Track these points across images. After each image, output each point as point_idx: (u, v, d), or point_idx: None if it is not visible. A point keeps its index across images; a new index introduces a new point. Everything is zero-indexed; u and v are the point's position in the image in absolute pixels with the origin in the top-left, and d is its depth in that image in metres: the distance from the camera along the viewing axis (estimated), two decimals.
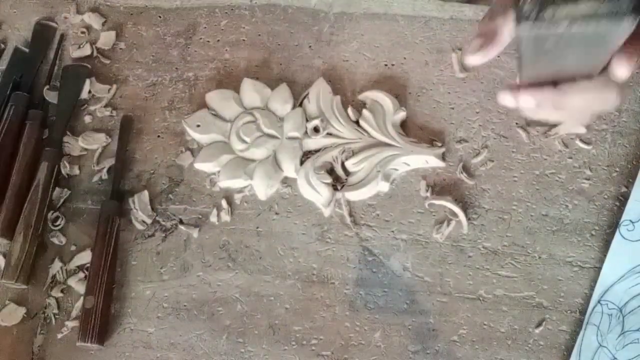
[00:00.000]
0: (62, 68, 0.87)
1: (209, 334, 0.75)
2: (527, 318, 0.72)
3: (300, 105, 0.81)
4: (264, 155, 0.79)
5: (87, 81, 0.86)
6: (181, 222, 0.79)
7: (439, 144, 0.78)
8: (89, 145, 0.83)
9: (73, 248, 0.80)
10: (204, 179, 0.81)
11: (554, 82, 0.54)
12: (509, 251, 0.74)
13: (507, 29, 0.54)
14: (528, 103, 0.56)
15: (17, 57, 0.88)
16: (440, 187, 0.77)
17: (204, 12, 0.87)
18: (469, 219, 0.75)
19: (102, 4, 0.90)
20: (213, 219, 0.79)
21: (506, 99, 0.57)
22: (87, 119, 0.85)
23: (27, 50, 0.88)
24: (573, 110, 0.56)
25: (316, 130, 0.79)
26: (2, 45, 0.89)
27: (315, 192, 0.77)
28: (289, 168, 0.78)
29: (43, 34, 0.89)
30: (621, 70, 0.52)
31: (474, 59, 0.56)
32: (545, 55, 0.50)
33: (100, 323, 0.75)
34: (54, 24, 0.89)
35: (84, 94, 0.86)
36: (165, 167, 0.82)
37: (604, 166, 0.76)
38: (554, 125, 0.77)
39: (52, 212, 0.81)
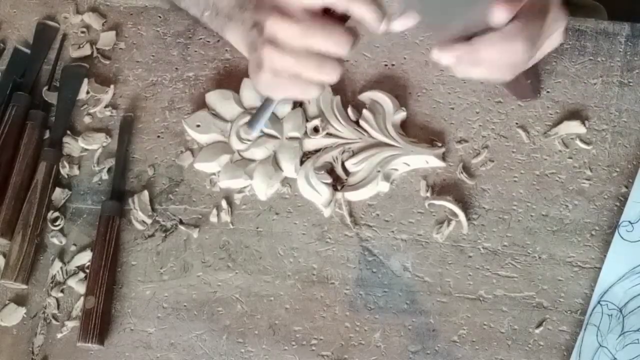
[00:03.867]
0: (61, 68, 0.87)
1: (209, 334, 0.75)
2: (527, 318, 0.72)
3: (301, 105, 0.81)
4: (264, 155, 0.79)
5: (85, 81, 0.86)
6: (181, 222, 0.79)
7: (439, 144, 0.78)
8: (89, 145, 0.83)
9: (73, 248, 0.80)
10: (204, 179, 0.81)
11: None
12: (509, 251, 0.74)
13: None
14: (448, 60, 0.60)
15: (17, 57, 0.88)
16: (440, 187, 0.77)
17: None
18: (469, 219, 0.75)
19: (102, 4, 0.90)
20: (213, 219, 0.79)
21: (435, 57, 0.61)
22: (87, 119, 0.85)
23: (27, 50, 0.88)
24: (489, 63, 0.59)
25: (316, 130, 0.79)
26: (2, 45, 0.89)
27: (315, 192, 0.77)
28: (289, 168, 0.78)
29: (45, 33, 0.89)
30: (496, 14, 0.55)
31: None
32: (426, 6, 0.55)
33: (101, 323, 0.75)
34: (55, 24, 0.89)
35: (82, 94, 0.86)
36: (165, 167, 0.82)
37: (604, 166, 0.76)
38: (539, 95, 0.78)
39: (52, 212, 0.81)
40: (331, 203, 0.77)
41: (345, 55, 0.59)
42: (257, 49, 0.60)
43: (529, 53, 0.60)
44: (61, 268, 0.79)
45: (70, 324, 0.77)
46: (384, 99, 0.79)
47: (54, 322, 0.77)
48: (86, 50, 0.88)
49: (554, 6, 0.61)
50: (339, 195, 0.78)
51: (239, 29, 0.66)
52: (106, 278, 0.77)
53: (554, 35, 0.63)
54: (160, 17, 0.88)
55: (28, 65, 0.87)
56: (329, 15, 0.58)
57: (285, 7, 0.57)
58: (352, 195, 0.77)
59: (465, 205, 0.76)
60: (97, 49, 0.88)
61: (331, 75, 0.60)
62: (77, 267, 0.79)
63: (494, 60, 0.59)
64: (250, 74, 0.63)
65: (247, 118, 0.80)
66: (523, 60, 0.61)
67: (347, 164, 0.78)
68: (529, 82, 0.74)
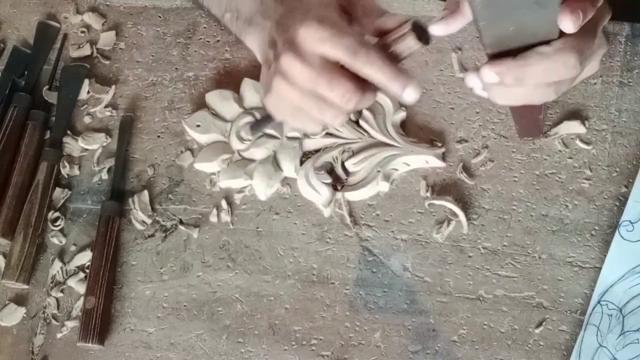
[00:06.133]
0: (61, 68, 0.87)
1: (209, 334, 0.75)
2: (527, 318, 0.72)
3: None
4: (264, 155, 0.79)
5: (86, 81, 0.86)
6: (181, 222, 0.79)
7: (439, 144, 0.78)
8: (89, 145, 0.83)
9: (73, 248, 0.80)
10: (204, 179, 0.81)
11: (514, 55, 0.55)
12: (509, 251, 0.74)
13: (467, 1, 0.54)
14: (490, 78, 0.55)
15: (16, 57, 0.88)
16: (440, 187, 0.77)
17: (204, 12, 0.87)
18: (469, 219, 0.75)
19: (102, 4, 0.90)
20: (213, 219, 0.79)
21: (472, 80, 0.57)
22: (87, 119, 0.85)
23: (26, 50, 0.88)
24: (535, 81, 0.55)
25: None
26: (2, 45, 0.89)
27: (315, 192, 0.77)
28: (289, 168, 0.78)
29: (46, 33, 0.89)
30: (566, 23, 0.52)
31: (437, 29, 0.57)
32: (497, 18, 0.51)
33: (101, 323, 0.75)
34: (56, 24, 0.89)
35: (83, 95, 0.86)
36: (165, 167, 0.82)
37: (604, 166, 0.76)
38: (544, 133, 0.77)
39: (52, 212, 0.81)
40: (331, 203, 0.77)
41: (349, 109, 0.58)
42: (269, 70, 0.61)
43: (579, 70, 0.56)
44: (61, 268, 0.79)
45: (70, 324, 0.77)
46: (384, 99, 0.79)
47: (54, 322, 0.78)
48: (86, 50, 0.88)
49: (599, 29, 0.58)
50: (339, 195, 0.78)
51: (258, 35, 0.65)
52: (106, 278, 0.77)
53: (594, 62, 0.61)
54: (160, 17, 0.88)
55: (29, 65, 0.87)
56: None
57: (302, 49, 0.57)
58: (352, 195, 0.78)
59: (465, 205, 0.76)
60: (97, 49, 0.88)
61: (332, 120, 0.60)
62: (77, 267, 0.79)
63: (541, 77, 0.55)
64: (261, 86, 0.64)
65: (249, 118, 0.80)
66: (571, 78, 0.57)
67: (347, 164, 0.78)
68: (541, 117, 0.70)
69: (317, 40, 0.56)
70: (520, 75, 0.55)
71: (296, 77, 0.58)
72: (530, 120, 0.71)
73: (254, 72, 0.84)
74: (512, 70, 0.54)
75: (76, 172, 0.83)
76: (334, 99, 0.58)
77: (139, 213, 0.80)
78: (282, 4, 0.62)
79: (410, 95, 0.57)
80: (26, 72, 0.87)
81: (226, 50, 0.85)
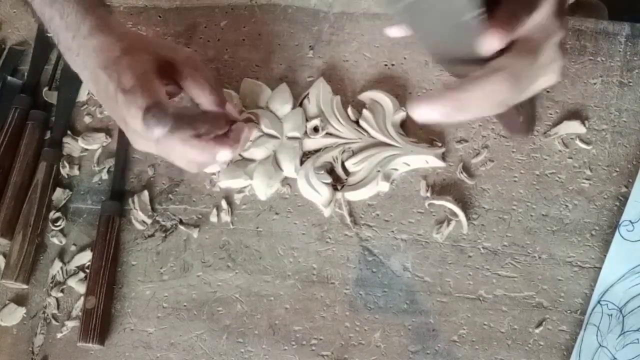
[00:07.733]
0: (61, 68, 0.87)
1: (209, 334, 0.75)
2: (527, 318, 0.72)
3: (301, 105, 0.81)
4: (264, 155, 0.79)
5: None
6: (181, 222, 0.79)
7: (439, 144, 0.78)
8: (89, 145, 0.83)
9: (73, 248, 0.80)
10: (204, 179, 0.81)
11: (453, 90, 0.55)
12: (509, 251, 0.74)
13: None
14: (432, 117, 0.53)
15: (11, 56, 0.88)
16: (440, 187, 0.77)
17: (204, 12, 0.87)
18: (469, 219, 0.75)
19: None
20: (213, 219, 0.79)
21: (419, 115, 0.54)
22: (87, 119, 0.85)
23: (22, 49, 0.88)
24: (476, 106, 0.54)
25: (315, 130, 0.79)
26: (2, 46, 0.89)
27: (315, 192, 0.77)
28: (289, 168, 0.78)
29: (47, 33, 0.89)
30: (487, 42, 0.52)
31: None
32: (427, 35, 0.54)
33: (101, 323, 0.75)
34: None
35: (83, 95, 0.86)
36: (165, 167, 0.82)
37: (604, 166, 0.76)
38: (531, 132, 0.76)
39: (53, 212, 0.81)
40: (331, 203, 0.77)
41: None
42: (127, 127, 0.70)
43: (515, 93, 0.55)
44: (61, 268, 0.79)
45: (70, 324, 0.77)
46: (384, 99, 0.79)
47: (54, 322, 0.78)
48: None
49: (549, 43, 0.56)
50: (339, 195, 0.78)
51: (86, 73, 0.71)
52: (106, 278, 0.77)
53: (549, 74, 0.58)
54: (160, 17, 0.88)
55: (29, 65, 0.87)
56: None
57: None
58: (352, 195, 0.78)
59: (465, 205, 0.76)
60: None
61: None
62: (77, 267, 0.79)
63: (481, 102, 0.55)
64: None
65: (247, 117, 0.80)
66: (511, 99, 0.56)
67: (347, 164, 0.78)
68: (521, 119, 0.69)
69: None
70: (462, 106, 0.54)
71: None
72: (510, 121, 0.70)
73: (254, 72, 0.84)
74: (452, 104, 0.53)
75: (76, 172, 0.83)
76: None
77: (139, 213, 0.80)
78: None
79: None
80: (26, 73, 0.87)
81: (226, 50, 0.85)
